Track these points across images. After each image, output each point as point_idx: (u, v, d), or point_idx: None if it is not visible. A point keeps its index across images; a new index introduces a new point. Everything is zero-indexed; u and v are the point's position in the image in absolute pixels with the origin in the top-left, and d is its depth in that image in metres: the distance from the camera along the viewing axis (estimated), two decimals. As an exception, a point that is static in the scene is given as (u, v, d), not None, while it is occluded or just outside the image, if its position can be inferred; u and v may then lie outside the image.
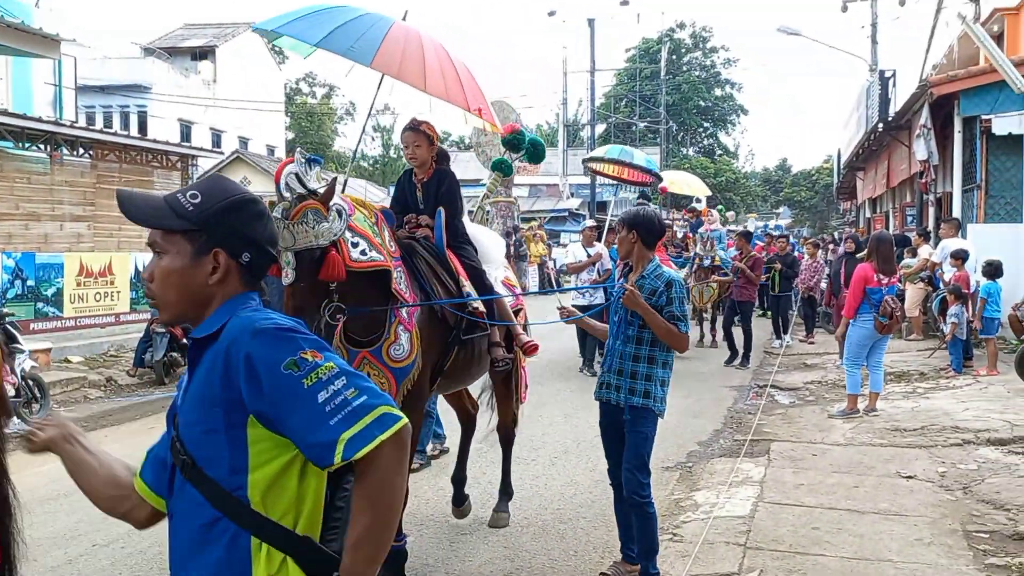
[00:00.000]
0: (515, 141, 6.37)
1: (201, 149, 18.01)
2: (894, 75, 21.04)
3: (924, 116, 15.48)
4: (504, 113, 29.99)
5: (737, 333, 13.43)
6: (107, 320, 13.39)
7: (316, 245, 3.97)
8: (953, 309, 11.00)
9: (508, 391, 5.89)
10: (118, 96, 32.61)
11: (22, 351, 9.14)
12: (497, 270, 5.67)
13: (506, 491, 6.06)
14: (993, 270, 11.17)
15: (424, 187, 5.32)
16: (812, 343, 15.46)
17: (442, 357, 4.88)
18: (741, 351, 13.11)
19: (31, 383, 9.18)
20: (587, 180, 30.16)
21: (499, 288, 5.51)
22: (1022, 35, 17.09)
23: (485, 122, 5.55)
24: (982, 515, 5.84)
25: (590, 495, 6.50)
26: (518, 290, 5.98)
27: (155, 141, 15.73)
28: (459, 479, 5.94)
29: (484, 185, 6.77)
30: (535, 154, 6.46)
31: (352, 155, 6.17)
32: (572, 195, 39.43)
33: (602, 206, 29.32)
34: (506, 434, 6.08)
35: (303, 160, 4.07)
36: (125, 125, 32.04)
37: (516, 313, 5.73)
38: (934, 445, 7.68)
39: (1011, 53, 15.36)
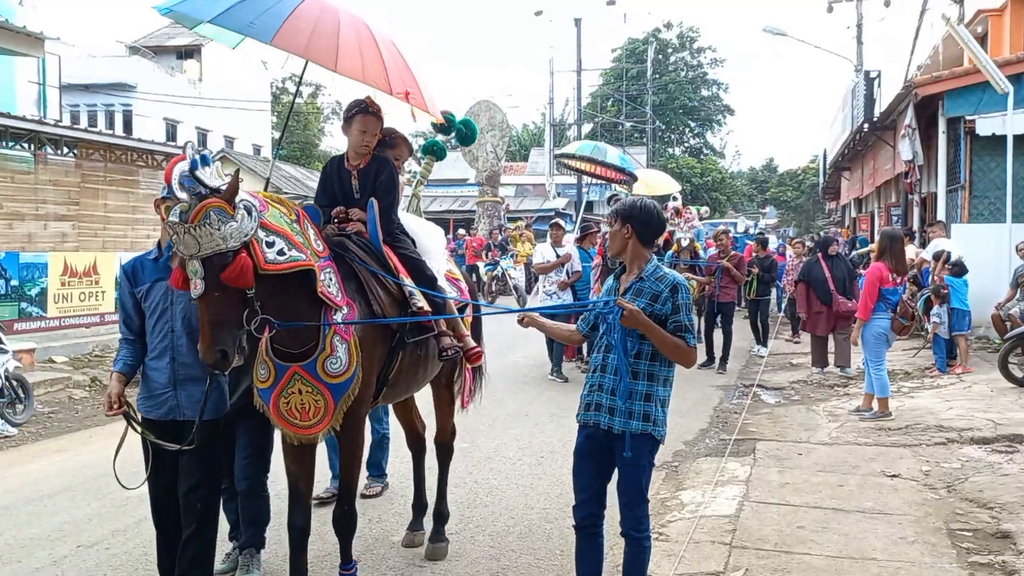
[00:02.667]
0: (443, 126, 5.89)
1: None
2: (879, 76, 21.16)
3: (909, 116, 15.58)
4: (490, 113, 30.05)
5: (717, 336, 13.01)
6: (92, 320, 13.31)
7: (227, 248, 3.52)
8: (936, 309, 11.08)
9: (449, 395, 5.47)
10: (103, 95, 32.44)
11: (6, 351, 9.08)
12: (438, 262, 5.18)
13: (441, 514, 5.44)
14: (958, 270, 11.27)
15: (361, 175, 4.84)
16: (798, 342, 15.40)
17: (386, 365, 4.46)
18: (719, 355, 12.67)
19: (15, 383, 9.12)
20: (574, 180, 30.16)
21: (441, 282, 5.05)
22: (1006, 36, 17.20)
23: (414, 107, 4.93)
24: (965, 513, 5.87)
25: (577, 495, 6.49)
26: (463, 284, 5.55)
27: (140, 140, 15.64)
28: (421, 506, 5.57)
29: (418, 172, 6.32)
30: (467, 135, 6.05)
31: (276, 145, 5.56)
32: (559, 195, 39.43)
33: (589, 206, 29.34)
34: (443, 446, 5.59)
35: (195, 156, 3.61)
36: (110, 124, 31.88)
37: (463, 309, 5.33)
38: (918, 444, 7.73)
39: (995, 54, 15.49)
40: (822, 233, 26.53)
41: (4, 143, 12.58)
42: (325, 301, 4.03)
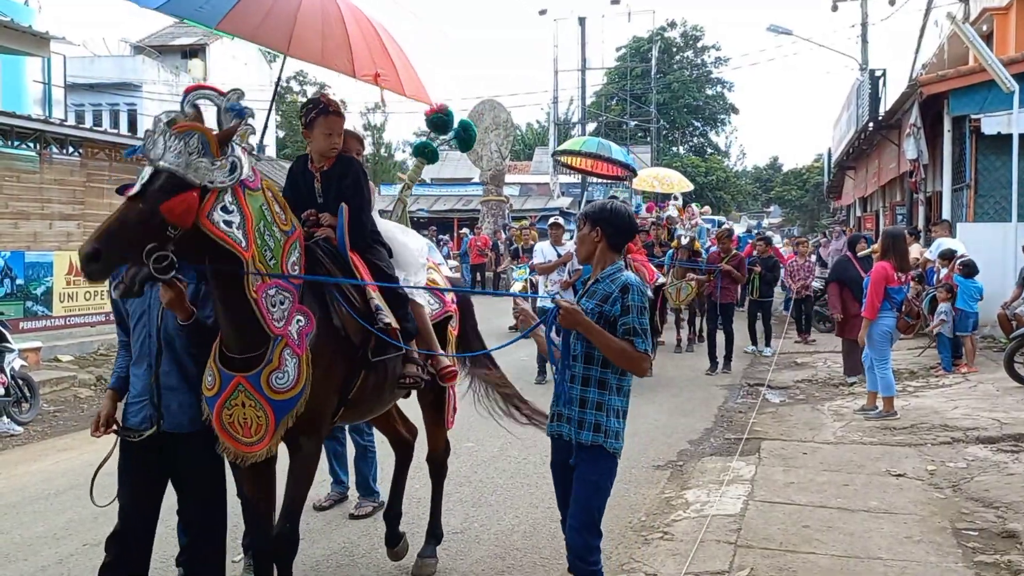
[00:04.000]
0: (441, 122, 5.45)
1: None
2: (884, 74, 21.18)
3: (914, 115, 15.55)
4: (495, 112, 30.05)
5: (719, 338, 12.69)
6: (97, 319, 13.32)
7: (182, 175, 3.29)
8: (942, 307, 11.06)
9: (439, 415, 5.16)
10: (108, 94, 32.52)
11: (12, 350, 9.11)
12: (417, 275, 4.76)
13: (434, 532, 5.24)
14: (968, 270, 11.22)
15: (324, 177, 4.45)
16: (812, 341, 15.04)
17: (346, 384, 4.08)
18: (722, 357, 12.41)
19: (21, 382, 9.15)
20: (578, 179, 30.17)
21: (418, 299, 4.67)
22: (1011, 35, 17.16)
23: (384, 89, 4.58)
24: (971, 513, 5.86)
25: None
26: (447, 297, 5.11)
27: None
28: (394, 514, 5.21)
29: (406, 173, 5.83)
30: (465, 140, 5.59)
31: (260, 136, 5.04)
32: (563, 194, 39.43)
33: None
34: (437, 464, 5.33)
35: (236, 102, 3.46)
36: (115, 123, 31.97)
37: (445, 324, 4.98)
38: (924, 443, 7.71)
39: (1000, 53, 15.45)
40: (834, 230, 26.47)
41: (10, 142, 12.61)
42: (255, 308, 3.62)
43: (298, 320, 3.76)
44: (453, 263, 19.34)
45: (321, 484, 6.39)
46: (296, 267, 3.79)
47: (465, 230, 28.77)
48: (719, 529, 5.62)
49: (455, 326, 5.15)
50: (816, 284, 15.95)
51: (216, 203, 3.40)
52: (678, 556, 5.16)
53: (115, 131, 17.85)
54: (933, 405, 9.17)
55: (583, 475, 3.65)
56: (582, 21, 39.52)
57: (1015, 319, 11.16)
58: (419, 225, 34.93)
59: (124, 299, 3.84)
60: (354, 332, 4.03)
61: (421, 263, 4.85)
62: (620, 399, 3.73)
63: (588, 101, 44.81)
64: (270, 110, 4.79)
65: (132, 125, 31.50)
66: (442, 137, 5.64)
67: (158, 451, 3.92)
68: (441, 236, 19.07)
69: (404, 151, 65.31)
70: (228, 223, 3.46)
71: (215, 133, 3.38)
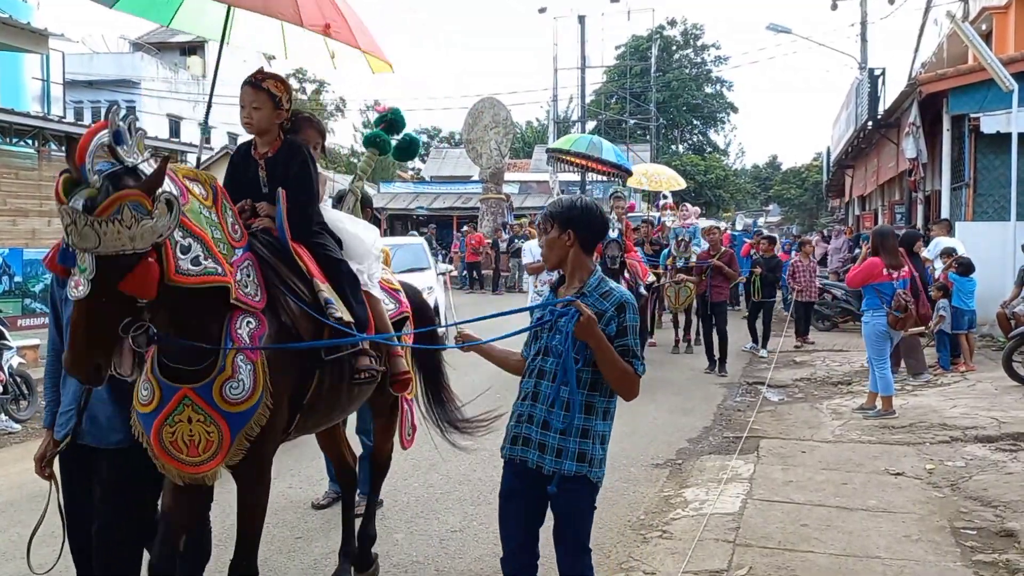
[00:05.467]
0: (391, 122, 5.17)
1: (190, 145, 17.94)
2: (883, 73, 21.15)
3: (913, 114, 15.56)
4: (494, 110, 30.04)
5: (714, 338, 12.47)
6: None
7: (133, 250, 2.88)
8: (941, 303, 11.06)
9: (391, 422, 4.89)
10: (106, 91, 32.51)
11: (10, 347, 9.10)
12: (370, 267, 4.44)
13: (367, 535, 4.93)
14: (964, 268, 11.22)
15: (268, 164, 4.08)
16: (811, 343, 14.61)
17: (300, 388, 3.71)
18: (717, 357, 12.19)
19: (19, 380, 9.14)
20: (577, 177, 30.14)
21: (375, 292, 4.39)
22: (1011, 34, 17.17)
23: (334, 41, 4.32)
24: (969, 512, 5.87)
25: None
26: (402, 295, 4.85)
27: (144, 136, 15.65)
28: (350, 551, 4.92)
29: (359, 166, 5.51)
30: (406, 151, 5.37)
31: (203, 125, 4.64)
32: (563, 192, 39.40)
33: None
34: (379, 465, 5.08)
35: (120, 126, 2.98)
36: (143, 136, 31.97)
37: (401, 326, 4.70)
38: (922, 442, 7.72)
39: (999, 52, 15.46)
40: (824, 231, 26.46)
41: (8, 139, 12.61)
42: (240, 305, 3.38)
43: (248, 322, 3.43)
44: (449, 267, 19.10)
45: (320, 481, 6.41)
46: (236, 226, 3.50)
47: (467, 227, 28.73)
48: (718, 528, 5.62)
49: (409, 334, 4.89)
50: (820, 281, 15.50)
51: (174, 250, 3.08)
52: (677, 555, 5.16)
53: (144, 145, 17.75)
54: (932, 404, 9.18)
55: (566, 507, 3.37)
56: (582, 19, 39.56)
57: (1014, 318, 11.16)
58: (419, 223, 35.03)
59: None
60: (305, 330, 3.70)
61: (376, 255, 4.54)
62: (605, 424, 3.42)
63: (588, 99, 44.77)
64: (210, 97, 4.83)
65: (131, 122, 31.49)
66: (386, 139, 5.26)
67: (86, 465, 3.65)
68: (439, 241, 18.73)
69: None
70: (195, 260, 3.16)
71: (140, 188, 2.90)
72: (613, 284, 3.43)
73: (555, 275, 3.60)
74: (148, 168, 3.01)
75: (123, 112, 3.05)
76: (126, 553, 3.67)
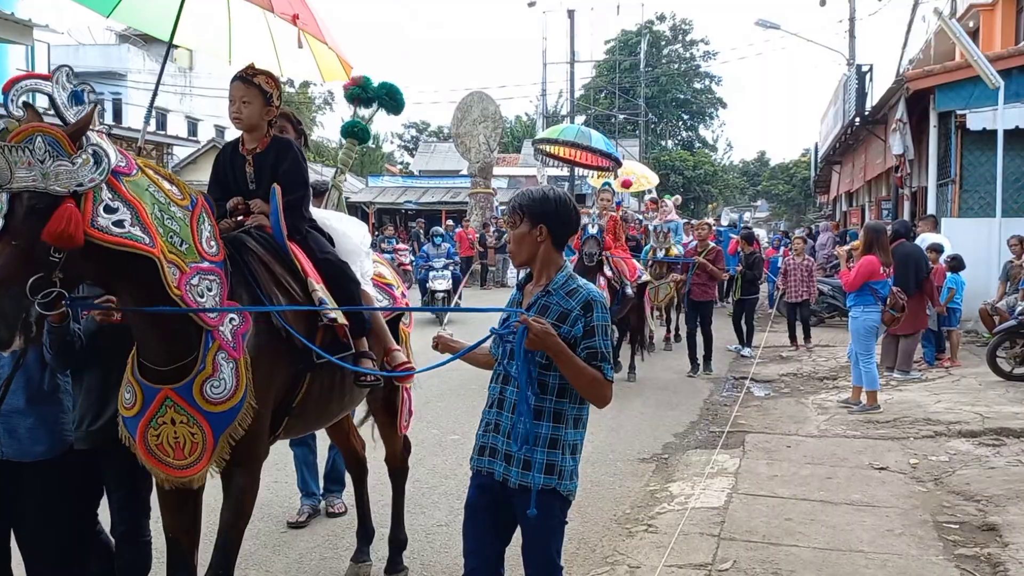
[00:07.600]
0: (361, 94, 5.03)
1: (177, 138, 17.89)
2: (871, 70, 21.17)
3: (900, 111, 15.61)
4: (483, 104, 29.98)
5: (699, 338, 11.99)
6: (81, 310, 13.23)
7: (44, 188, 2.74)
8: (950, 277, 11.14)
9: (391, 418, 4.79)
10: (93, 83, 32.11)
11: None
12: (362, 265, 4.33)
13: (398, 540, 4.91)
14: (956, 264, 11.31)
15: (257, 161, 3.98)
16: (809, 346, 13.83)
17: (289, 391, 3.62)
18: (702, 358, 11.75)
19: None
20: (566, 172, 30.11)
21: (369, 290, 4.29)
22: (997, 31, 17.28)
23: (303, 33, 4.25)
24: (952, 506, 5.91)
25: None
26: (395, 289, 4.75)
27: (130, 129, 15.57)
28: (366, 534, 5.00)
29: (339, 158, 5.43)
30: (392, 104, 5.16)
31: (148, 109, 4.45)
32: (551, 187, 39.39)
33: (581, 199, 29.28)
34: (397, 467, 5.00)
35: (75, 89, 2.95)
36: (100, 113, 31.75)
37: (397, 320, 4.64)
38: (906, 437, 7.76)
39: (986, 49, 15.56)
40: (811, 227, 26.55)
41: (-8, 131, 12.50)
42: (179, 302, 3.16)
43: (231, 318, 3.31)
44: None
45: (296, 496, 6.02)
46: (212, 242, 3.32)
47: (450, 222, 28.59)
48: (703, 522, 5.64)
49: (408, 323, 4.86)
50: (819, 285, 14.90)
51: (95, 206, 2.88)
52: (662, 548, 5.17)
53: (100, 121, 17.65)
54: (916, 399, 9.23)
55: (534, 522, 3.09)
56: (571, 14, 39.44)
57: (997, 314, 11.24)
58: (407, 217, 34.98)
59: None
60: (297, 330, 3.55)
61: (365, 251, 4.44)
62: (577, 433, 3.17)
63: (577, 94, 44.78)
64: (156, 88, 4.64)
65: (117, 115, 31.35)
66: (367, 111, 5.21)
67: (10, 483, 3.47)
68: (438, 230, 18.34)
69: (392, 142, 65.01)
70: (119, 223, 2.94)
71: (61, 128, 2.82)
72: (581, 281, 3.18)
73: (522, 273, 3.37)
74: (96, 138, 2.91)
75: (72, 75, 3.02)
76: (61, 569, 3.57)
